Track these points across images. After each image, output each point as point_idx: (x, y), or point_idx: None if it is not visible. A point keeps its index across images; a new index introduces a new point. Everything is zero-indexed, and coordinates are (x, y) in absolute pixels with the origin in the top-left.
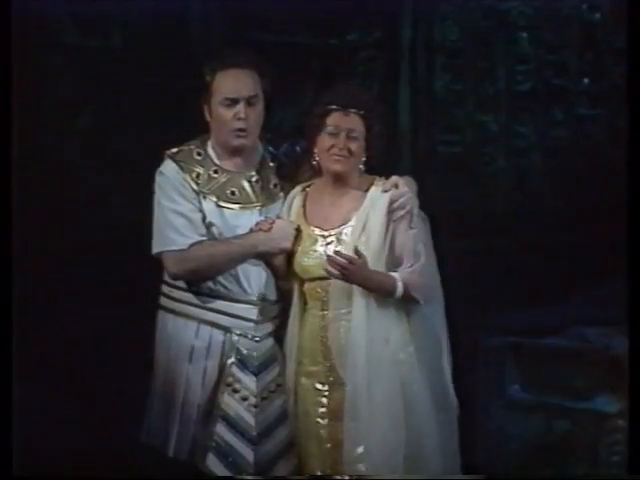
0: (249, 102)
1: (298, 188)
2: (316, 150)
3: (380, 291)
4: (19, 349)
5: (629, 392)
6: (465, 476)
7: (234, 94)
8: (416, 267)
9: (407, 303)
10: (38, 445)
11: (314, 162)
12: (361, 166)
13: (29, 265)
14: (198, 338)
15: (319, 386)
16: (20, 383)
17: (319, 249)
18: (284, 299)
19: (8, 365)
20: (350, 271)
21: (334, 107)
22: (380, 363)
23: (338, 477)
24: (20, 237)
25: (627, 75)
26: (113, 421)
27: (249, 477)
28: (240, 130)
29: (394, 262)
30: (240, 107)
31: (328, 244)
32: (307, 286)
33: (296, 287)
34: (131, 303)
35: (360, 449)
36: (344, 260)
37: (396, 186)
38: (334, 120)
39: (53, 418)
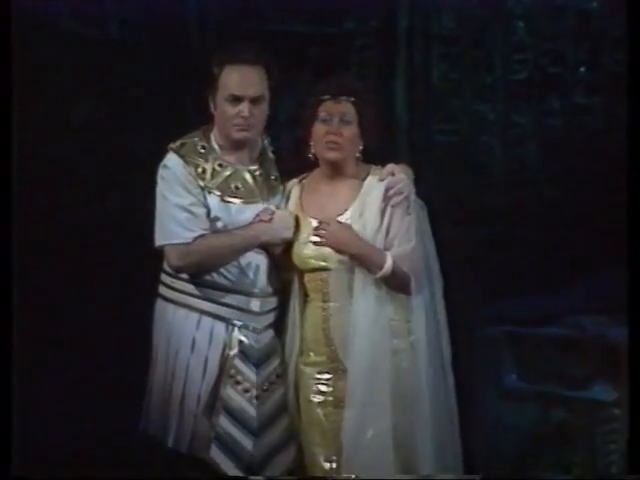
0: (254, 101)
1: (295, 180)
2: (312, 142)
3: (369, 263)
4: (19, 349)
5: (629, 388)
6: (462, 476)
7: (239, 92)
8: (407, 248)
9: (402, 288)
10: (38, 445)
11: (310, 155)
12: (358, 154)
13: (29, 260)
14: (199, 330)
15: (322, 375)
16: (20, 383)
17: (316, 240)
18: (284, 291)
19: (8, 365)
20: (330, 232)
21: (325, 97)
22: (380, 352)
23: (335, 476)
24: (20, 230)
25: (626, 63)
26: (113, 421)
27: (254, 477)
28: (240, 124)
29: (386, 246)
30: (244, 106)
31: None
32: (307, 278)
33: (296, 279)
34: (132, 297)
35: (360, 437)
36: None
37: (392, 174)
38: (326, 107)
39: (53, 418)
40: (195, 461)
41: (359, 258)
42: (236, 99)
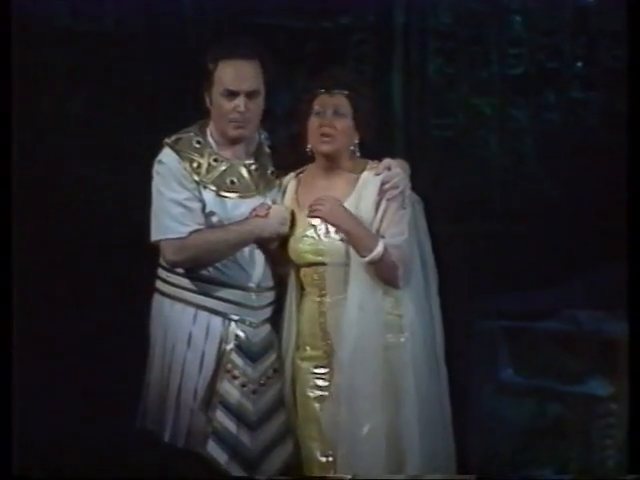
0: (249, 95)
1: (291, 174)
2: (309, 138)
3: (360, 244)
4: (19, 349)
5: (628, 383)
6: (455, 476)
7: (235, 87)
8: (399, 239)
9: (390, 278)
10: (38, 445)
11: (307, 149)
12: (353, 148)
13: (28, 257)
14: (196, 324)
15: (318, 370)
16: (20, 383)
17: (312, 235)
18: (280, 285)
19: (8, 365)
20: (326, 206)
21: (320, 91)
22: (372, 345)
23: (331, 475)
24: (19, 226)
25: (625, 59)
26: (113, 421)
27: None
28: (237, 121)
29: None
30: (240, 100)
31: (320, 229)
32: (303, 272)
33: (292, 273)
34: (132, 295)
35: (353, 431)
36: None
37: (388, 168)
38: (320, 101)
39: (53, 418)
40: (193, 458)
41: (351, 237)
42: (231, 94)
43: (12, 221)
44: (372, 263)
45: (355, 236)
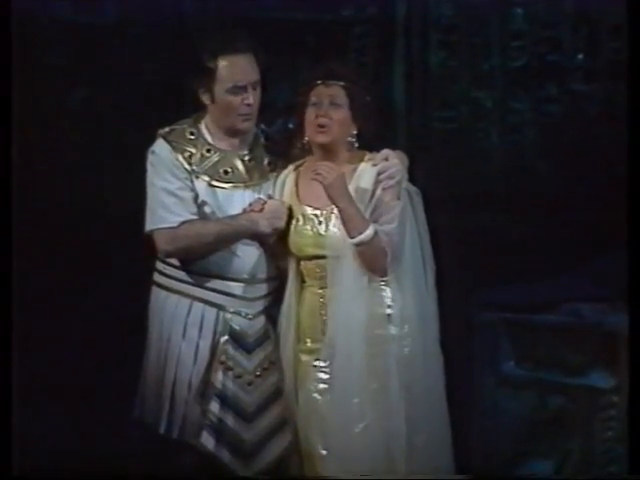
0: (254, 87)
1: (290, 167)
2: (306, 129)
3: (351, 224)
4: (19, 348)
5: (629, 375)
6: (455, 476)
7: (243, 82)
8: (389, 226)
9: (378, 264)
10: (38, 445)
11: (304, 141)
12: (351, 139)
13: (28, 255)
14: (191, 316)
15: (319, 363)
16: (20, 383)
17: (312, 228)
18: (278, 277)
19: (8, 365)
20: (330, 176)
21: (316, 82)
22: (356, 333)
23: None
24: (19, 220)
25: (625, 50)
26: (113, 421)
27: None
28: (247, 114)
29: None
30: (248, 93)
31: (321, 222)
32: (304, 264)
33: (292, 265)
34: (133, 292)
35: (347, 426)
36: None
37: (386, 159)
38: (316, 92)
39: (53, 418)
40: (194, 457)
41: (344, 215)
42: (239, 89)
43: (12, 217)
44: (360, 245)
45: (348, 215)
